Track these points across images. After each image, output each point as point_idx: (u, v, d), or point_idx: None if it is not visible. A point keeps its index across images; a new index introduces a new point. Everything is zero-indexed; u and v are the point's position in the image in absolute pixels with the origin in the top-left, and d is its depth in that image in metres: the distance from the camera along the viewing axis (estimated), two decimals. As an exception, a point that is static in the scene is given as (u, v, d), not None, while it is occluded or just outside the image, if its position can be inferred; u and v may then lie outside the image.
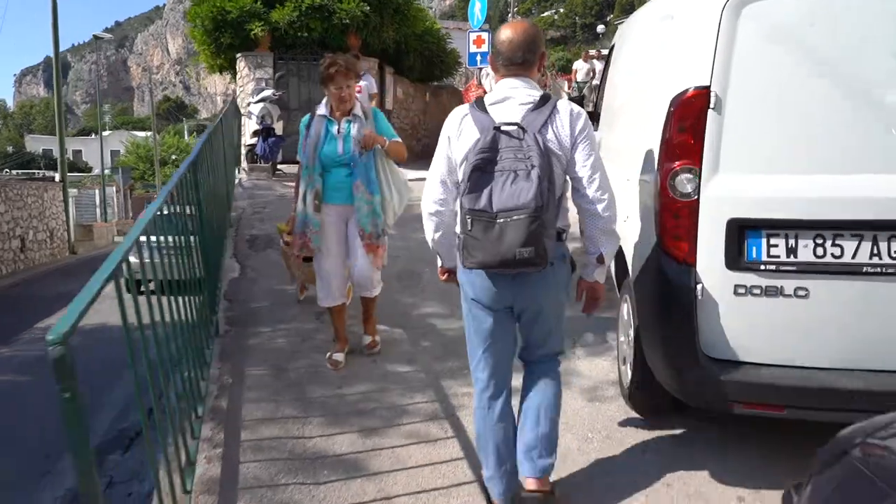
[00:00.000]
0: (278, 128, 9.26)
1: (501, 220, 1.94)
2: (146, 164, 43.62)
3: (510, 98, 2.16)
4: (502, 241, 1.94)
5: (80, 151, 57.64)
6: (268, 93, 9.38)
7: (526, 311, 2.27)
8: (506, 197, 1.94)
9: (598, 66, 18.09)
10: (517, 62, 2.18)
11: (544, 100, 2.15)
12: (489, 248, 1.98)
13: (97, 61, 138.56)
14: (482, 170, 1.99)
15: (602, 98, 4.82)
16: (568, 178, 2.19)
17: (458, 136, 2.20)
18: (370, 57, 12.57)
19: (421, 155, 16.97)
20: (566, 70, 42.40)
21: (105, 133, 46.71)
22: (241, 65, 12.33)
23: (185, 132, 60.88)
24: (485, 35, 11.21)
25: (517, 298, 2.23)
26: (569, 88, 18.40)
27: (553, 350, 2.42)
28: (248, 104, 9.74)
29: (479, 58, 11.27)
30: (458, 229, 2.13)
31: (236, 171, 9.20)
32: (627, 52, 4.02)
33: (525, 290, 2.20)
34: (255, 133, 9.14)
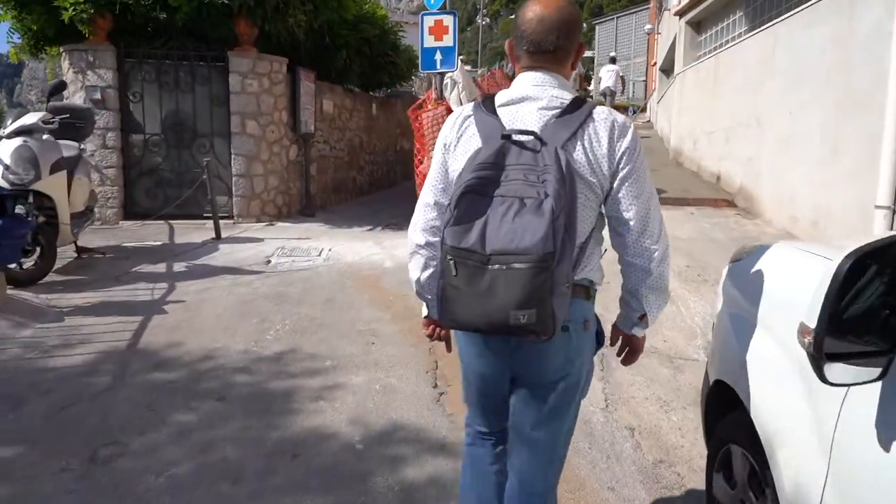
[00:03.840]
0: (52, 187, 4.84)
1: (494, 267, 1.34)
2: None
3: (529, 98, 1.53)
4: (492, 296, 1.35)
5: None
6: (31, 119, 4.94)
7: (524, 383, 1.64)
8: (504, 234, 1.34)
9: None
10: (548, 49, 1.53)
11: (576, 104, 1.50)
12: (473, 305, 1.38)
13: None
14: (477, 192, 1.39)
15: None
16: (605, 214, 1.58)
17: (457, 145, 1.58)
18: (275, 55, 8.25)
19: (368, 189, 12.39)
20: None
21: None
22: (65, 64, 7.87)
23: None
24: (449, 20, 6.98)
25: (514, 365, 1.62)
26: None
27: (537, 486, 1.69)
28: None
29: (438, 57, 7.08)
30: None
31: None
32: None
33: (523, 358, 1.59)
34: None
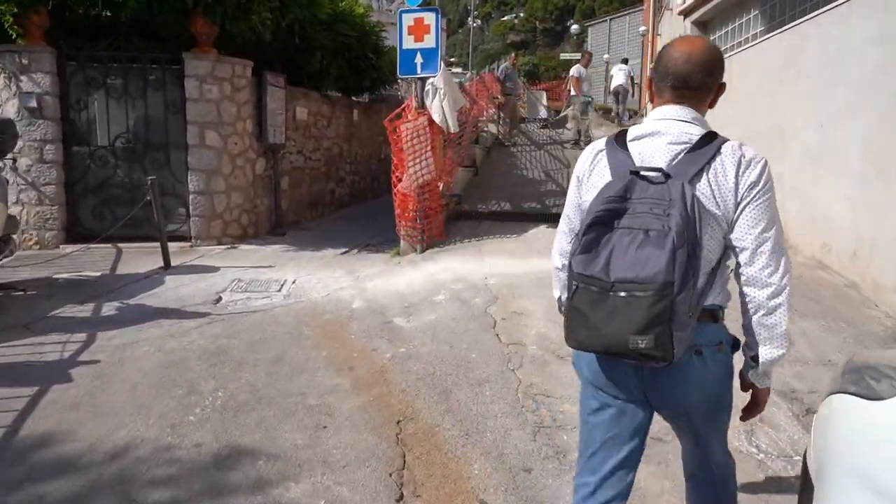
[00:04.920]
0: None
1: (619, 294, 1.43)
2: None
3: (659, 133, 1.61)
4: (613, 321, 1.43)
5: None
6: None
7: (666, 411, 1.70)
8: (628, 264, 1.43)
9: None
10: (693, 86, 1.62)
11: (706, 139, 1.56)
12: (594, 328, 1.47)
13: None
14: (604, 224, 1.50)
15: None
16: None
17: (589, 177, 1.70)
18: (238, 58, 7.38)
19: (349, 201, 11.40)
20: (533, 76, 37.79)
21: None
22: (-5, 69, 6.96)
23: None
24: (430, 18, 6.13)
25: (651, 394, 1.65)
26: (562, 98, 14.17)
27: (714, 461, 1.80)
28: None
29: (419, 60, 6.23)
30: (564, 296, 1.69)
31: None
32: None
33: (661, 386, 1.61)
34: None
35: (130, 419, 3.12)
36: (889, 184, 4.55)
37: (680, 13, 10.39)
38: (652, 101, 1.72)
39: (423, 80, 6.28)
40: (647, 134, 1.61)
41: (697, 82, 1.59)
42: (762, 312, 1.53)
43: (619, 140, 1.65)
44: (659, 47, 16.08)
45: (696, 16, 9.87)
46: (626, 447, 1.70)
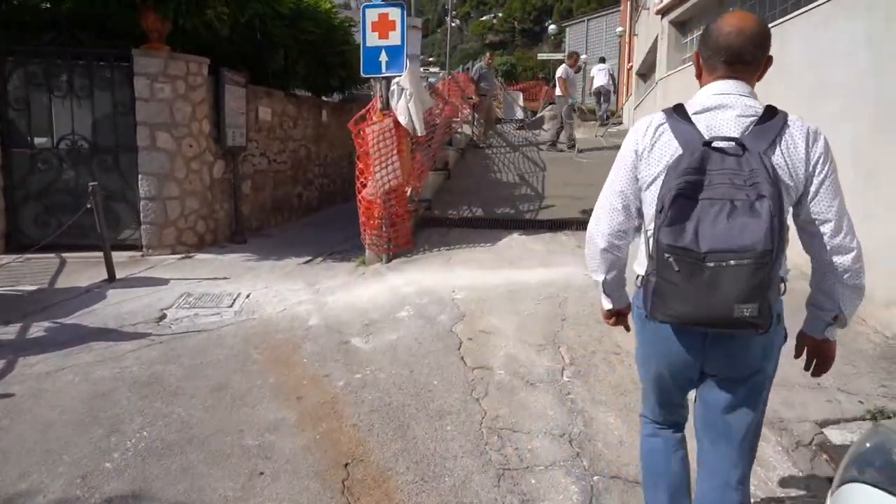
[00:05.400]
0: None
1: (712, 264, 1.46)
2: None
3: (724, 106, 1.64)
4: (715, 291, 1.46)
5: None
6: None
7: (717, 376, 1.74)
8: (720, 234, 1.46)
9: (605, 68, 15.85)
10: (746, 60, 1.66)
11: (771, 112, 1.63)
12: (696, 299, 1.49)
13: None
14: (686, 196, 1.51)
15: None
16: (794, 217, 1.69)
17: (650, 151, 1.70)
18: (193, 55, 6.94)
19: (318, 205, 10.96)
20: (511, 76, 37.51)
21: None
22: (-74, 64, 6.44)
23: None
24: (395, 13, 5.76)
25: (709, 362, 1.72)
26: (539, 99, 13.86)
27: (732, 477, 1.73)
28: None
29: (383, 58, 5.87)
30: (639, 270, 1.77)
31: None
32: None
33: (724, 354, 1.69)
34: None
35: (36, 467, 2.71)
36: (877, 190, 4.30)
37: (658, 12, 10.15)
38: (699, 77, 1.72)
39: (389, 79, 5.92)
40: (711, 107, 1.62)
41: (750, 56, 1.63)
42: (849, 275, 1.62)
43: (681, 113, 1.65)
44: (636, 47, 15.83)
45: (673, 15, 9.64)
46: (682, 401, 1.91)
